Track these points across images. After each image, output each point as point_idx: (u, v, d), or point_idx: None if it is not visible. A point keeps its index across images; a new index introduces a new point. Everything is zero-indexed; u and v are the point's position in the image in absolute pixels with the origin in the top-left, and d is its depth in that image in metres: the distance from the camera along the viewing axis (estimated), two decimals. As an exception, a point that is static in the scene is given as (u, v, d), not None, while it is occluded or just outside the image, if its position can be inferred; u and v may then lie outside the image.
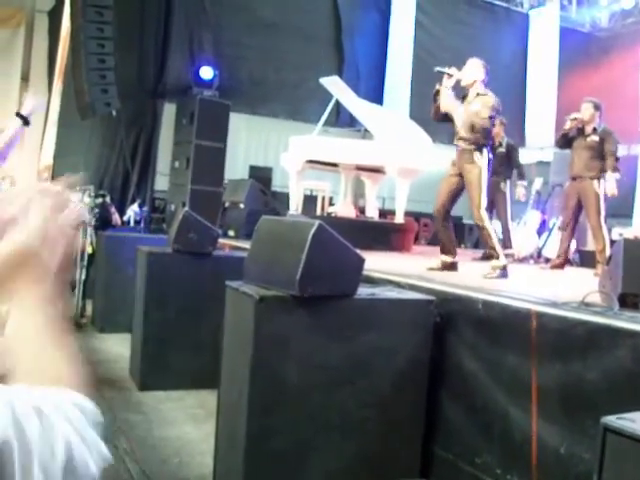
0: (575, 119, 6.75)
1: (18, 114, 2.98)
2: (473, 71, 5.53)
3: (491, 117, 5.43)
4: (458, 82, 5.54)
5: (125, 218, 9.80)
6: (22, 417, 0.63)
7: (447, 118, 5.64)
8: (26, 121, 2.98)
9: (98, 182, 10.62)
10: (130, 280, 5.97)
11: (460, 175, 5.47)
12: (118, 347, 6.37)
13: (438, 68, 5.56)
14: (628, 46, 13.54)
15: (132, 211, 10.05)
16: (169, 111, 11.30)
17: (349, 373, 3.19)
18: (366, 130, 10.07)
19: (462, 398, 3.36)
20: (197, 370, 5.05)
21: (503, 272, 5.30)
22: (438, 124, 5.91)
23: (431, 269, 5.39)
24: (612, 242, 6.12)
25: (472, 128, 5.37)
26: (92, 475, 0.68)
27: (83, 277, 7.39)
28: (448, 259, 5.55)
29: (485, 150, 5.41)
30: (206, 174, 9.62)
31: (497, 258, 5.37)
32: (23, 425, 0.63)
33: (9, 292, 0.82)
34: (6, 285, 0.82)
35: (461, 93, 5.64)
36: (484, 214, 5.37)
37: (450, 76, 5.48)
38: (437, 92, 5.56)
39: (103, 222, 8.23)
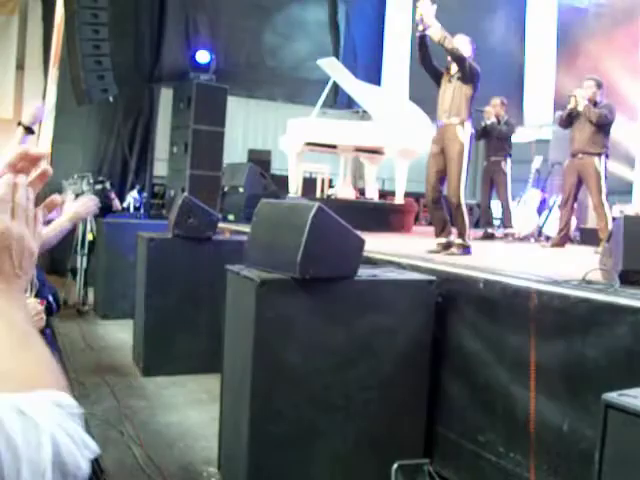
0: (575, 96, 6.72)
1: (20, 124, 2.97)
2: (462, 47, 5.46)
3: (474, 94, 5.38)
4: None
5: (125, 204, 9.80)
6: (4, 420, 0.63)
7: (431, 71, 5.56)
8: (30, 130, 2.98)
9: (97, 169, 10.62)
10: (131, 266, 5.98)
11: (443, 153, 5.43)
12: (121, 333, 6.39)
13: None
14: (628, 22, 13.44)
15: (131, 197, 10.04)
16: (166, 96, 11.26)
17: (351, 355, 3.20)
18: (364, 111, 10.04)
19: (464, 377, 3.36)
20: (200, 355, 5.07)
21: (462, 250, 5.30)
22: (436, 105, 5.84)
23: (431, 252, 5.36)
24: (613, 219, 6.11)
25: (454, 103, 5.33)
26: (82, 468, 0.68)
27: (84, 265, 7.40)
28: (443, 240, 5.51)
29: (468, 124, 5.37)
30: (205, 159, 9.59)
31: (462, 238, 5.36)
32: (6, 427, 0.62)
33: None
34: None
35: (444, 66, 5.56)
36: (461, 192, 5.33)
37: (425, 26, 5.31)
38: (420, 39, 5.38)
39: (103, 209, 8.23)
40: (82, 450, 0.69)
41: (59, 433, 0.67)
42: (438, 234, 5.56)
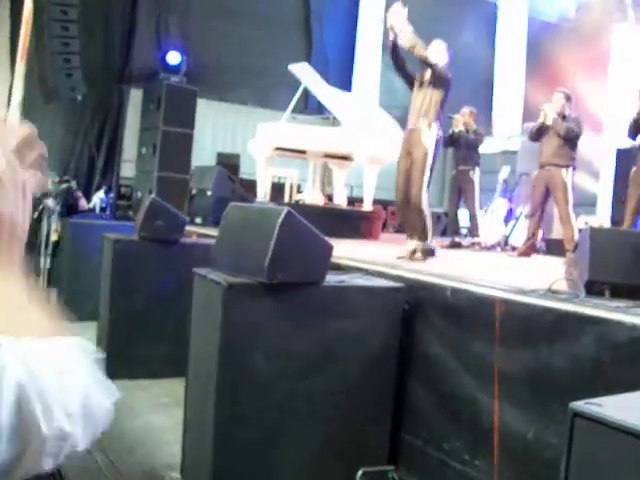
0: (544, 111, 6.83)
1: None
2: (438, 53, 5.52)
3: (443, 99, 5.44)
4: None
5: (91, 205, 9.68)
6: (32, 364, 0.65)
7: (404, 75, 5.61)
8: None
9: (62, 168, 10.47)
10: (96, 268, 5.89)
11: (410, 154, 5.46)
12: (84, 336, 6.28)
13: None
14: (596, 38, 13.65)
15: (98, 198, 9.92)
16: (135, 97, 11.16)
17: (318, 360, 3.18)
18: (335, 117, 10.05)
19: (430, 385, 3.37)
20: (164, 358, 5.01)
21: (426, 254, 5.35)
22: (406, 112, 5.87)
23: (400, 257, 5.39)
24: (579, 230, 6.19)
25: (422, 107, 5.37)
26: (107, 409, 0.74)
27: (48, 265, 7.29)
28: (414, 244, 5.54)
29: (434, 128, 5.41)
30: (173, 161, 9.52)
31: (424, 241, 5.40)
32: (35, 371, 0.65)
33: None
34: None
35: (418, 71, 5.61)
36: (424, 196, 5.38)
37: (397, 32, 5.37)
38: (394, 45, 5.45)
39: (69, 208, 8.12)
40: (106, 392, 0.75)
41: (86, 377, 0.72)
42: (409, 237, 5.60)
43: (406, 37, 5.27)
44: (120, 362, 5.10)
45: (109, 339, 5.20)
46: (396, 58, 5.54)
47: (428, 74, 5.47)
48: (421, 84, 5.50)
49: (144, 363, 5.08)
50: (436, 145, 5.43)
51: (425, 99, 5.43)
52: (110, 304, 5.22)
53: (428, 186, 5.49)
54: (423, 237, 5.42)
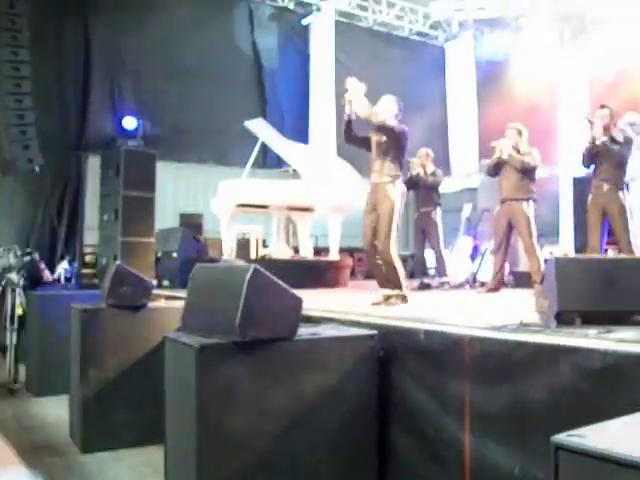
0: (499, 147, 6.96)
1: None
2: (386, 107, 5.62)
3: (403, 153, 5.52)
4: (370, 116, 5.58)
5: (55, 276, 9.56)
6: None
7: (361, 143, 5.70)
8: None
9: (24, 240, 10.36)
10: (65, 340, 5.79)
11: (375, 208, 5.53)
12: (56, 410, 6.14)
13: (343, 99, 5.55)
14: (541, 71, 14.04)
15: (62, 268, 9.81)
16: (94, 163, 11.13)
17: (297, 416, 3.14)
18: (294, 170, 10.13)
19: (412, 431, 3.34)
20: (141, 426, 4.90)
21: (404, 300, 5.43)
22: (365, 160, 5.95)
23: (375, 304, 5.42)
24: (545, 261, 6.26)
25: (383, 161, 5.46)
26: None
27: (14, 340, 7.14)
28: (385, 292, 5.57)
29: (398, 182, 5.50)
30: (136, 225, 9.48)
31: (400, 289, 5.46)
32: None
33: None
34: None
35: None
36: (392, 249, 5.45)
37: (351, 103, 5.49)
38: (348, 122, 5.56)
39: (33, 281, 8.00)
40: None
41: None
42: (381, 284, 5.62)
43: (362, 109, 5.37)
44: (96, 434, 4.99)
45: (83, 411, 5.08)
46: (349, 134, 5.64)
47: (378, 136, 5.57)
48: (379, 143, 5.57)
49: (121, 433, 4.97)
50: (402, 198, 5.52)
51: (386, 156, 5.50)
52: (81, 375, 5.11)
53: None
54: (397, 285, 5.46)
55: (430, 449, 3.23)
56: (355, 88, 5.41)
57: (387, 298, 5.46)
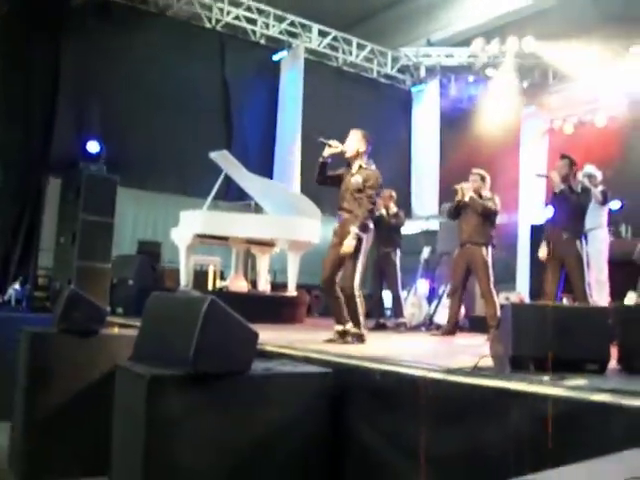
0: (461, 189, 7.06)
1: None
2: (355, 142, 5.69)
3: (374, 194, 5.59)
4: (342, 152, 5.69)
5: (6, 297, 9.34)
6: None
7: (332, 182, 5.76)
8: None
9: (-25, 260, 10.13)
10: (9, 363, 5.63)
11: (341, 244, 5.54)
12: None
13: (321, 139, 5.67)
14: (504, 120, 14.33)
15: (13, 290, 9.59)
16: (54, 185, 10.97)
17: (248, 452, 3.08)
18: (256, 204, 10.11)
19: (367, 471, 3.30)
20: (86, 457, 4.77)
21: (357, 339, 5.43)
22: (329, 197, 6.01)
23: (328, 341, 5.39)
24: (501, 307, 6.32)
25: (353, 199, 5.51)
26: None
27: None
28: (340, 327, 5.56)
29: (365, 225, 5.54)
30: (93, 250, 9.32)
31: (357, 327, 5.46)
32: None
33: None
34: None
35: (345, 162, 5.78)
36: (355, 284, 5.49)
37: (331, 146, 5.61)
38: (323, 164, 5.67)
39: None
40: None
41: None
42: (336, 321, 5.61)
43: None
44: (39, 463, 4.84)
45: (25, 439, 4.92)
46: (322, 176, 5.75)
47: (355, 167, 5.63)
48: (350, 177, 5.62)
49: (64, 463, 4.82)
50: (367, 234, 5.55)
51: (359, 196, 5.56)
52: (26, 401, 4.96)
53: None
54: (355, 322, 5.45)
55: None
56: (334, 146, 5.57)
57: (343, 335, 5.45)
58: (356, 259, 5.45)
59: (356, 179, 5.56)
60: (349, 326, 5.46)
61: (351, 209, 5.54)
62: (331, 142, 5.62)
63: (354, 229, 5.44)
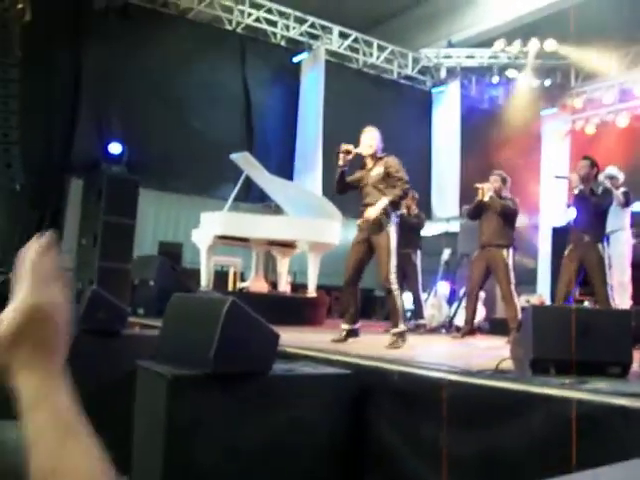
0: (482, 188, 7.02)
1: None
2: (376, 141, 5.69)
3: (402, 175, 5.57)
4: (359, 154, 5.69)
5: (29, 298, 9.41)
6: None
7: (352, 187, 5.76)
8: None
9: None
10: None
11: (368, 241, 5.53)
12: (17, 435, 6.00)
13: (342, 146, 5.64)
14: (525, 122, 14.27)
15: (36, 290, 9.66)
16: (76, 187, 11.08)
17: (267, 453, 3.09)
18: (277, 205, 10.14)
19: (387, 473, 3.30)
20: (107, 456, 4.80)
21: (402, 338, 5.35)
22: (349, 199, 6.01)
23: (334, 341, 5.43)
24: (522, 309, 6.28)
25: (378, 191, 5.50)
26: None
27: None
28: (347, 326, 5.58)
29: (393, 215, 5.52)
30: (115, 251, 9.40)
31: (396, 326, 5.41)
32: None
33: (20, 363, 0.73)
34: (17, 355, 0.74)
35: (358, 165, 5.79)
36: (394, 278, 5.44)
37: (349, 153, 5.60)
38: (342, 173, 5.68)
39: (4, 301, 7.88)
40: None
41: None
42: (344, 319, 5.64)
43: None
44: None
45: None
46: (342, 185, 5.75)
47: (372, 162, 5.63)
48: (378, 180, 5.61)
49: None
50: (396, 230, 5.53)
51: (378, 189, 5.55)
52: (49, 401, 5.01)
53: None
54: (395, 321, 5.42)
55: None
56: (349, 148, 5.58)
57: (351, 334, 5.54)
58: (389, 253, 5.41)
59: (376, 171, 5.55)
60: (393, 329, 5.42)
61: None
62: (349, 147, 5.59)
63: (385, 200, 5.42)
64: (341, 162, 5.60)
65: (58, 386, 0.74)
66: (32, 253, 0.82)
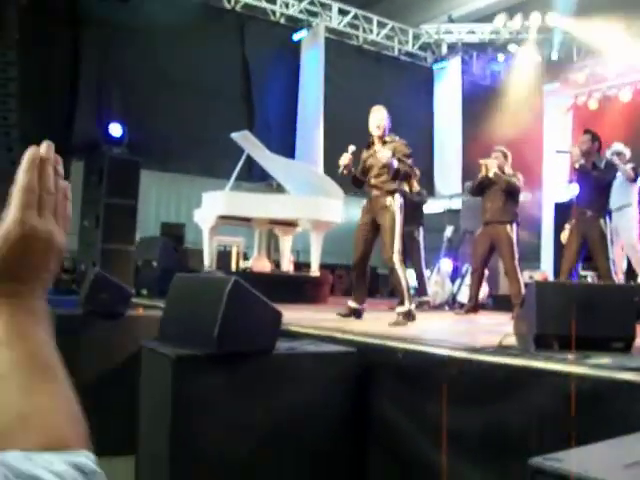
0: (485, 164, 6.98)
1: None
2: (385, 120, 5.67)
3: (408, 157, 5.58)
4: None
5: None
6: None
7: (364, 175, 5.78)
8: None
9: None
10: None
11: (373, 222, 5.54)
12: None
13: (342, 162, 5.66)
14: (527, 97, 14.19)
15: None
16: (77, 168, 11.05)
17: (271, 431, 3.11)
18: (279, 184, 10.12)
19: (389, 450, 3.32)
20: (113, 436, 4.83)
21: (409, 317, 5.36)
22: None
23: (340, 315, 5.57)
24: (525, 285, 6.28)
25: (386, 172, 5.49)
26: None
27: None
28: (354, 305, 5.62)
29: (397, 195, 5.52)
30: (117, 232, 9.40)
31: (402, 303, 5.41)
32: None
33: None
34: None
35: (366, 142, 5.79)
36: (397, 257, 5.44)
37: (347, 166, 5.65)
38: (353, 177, 5.76)
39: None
40: None
41: None
42: (352, 297, 5.73)
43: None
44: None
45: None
46: (358, 183, 5.85)
47: (380, 144, 5.62)
48: (375, 154, 5.61)
49: (92, 441, 4.89)
50: (401, 210, 5.54)
51: (384, 169, 5.55)
52: (54, 382, 5.03)
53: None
54: (401, 299, 5.43)
55: (407, 470, 3.21)
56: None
57: (354, 313, 5.62)
58: (394, 232, 5.42)
59: (384, 153, 5.52)
60: (399, 307, 5.43)
61: (381, 185, 5.53)
62: (347, 161, 5.61)
63: (387, 203, 5.45)
64: (345, 172, 5.66)
65: (35, 322, 0.70)
66: (26, 165, 0.74)
